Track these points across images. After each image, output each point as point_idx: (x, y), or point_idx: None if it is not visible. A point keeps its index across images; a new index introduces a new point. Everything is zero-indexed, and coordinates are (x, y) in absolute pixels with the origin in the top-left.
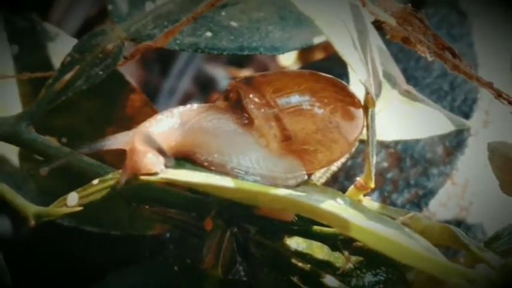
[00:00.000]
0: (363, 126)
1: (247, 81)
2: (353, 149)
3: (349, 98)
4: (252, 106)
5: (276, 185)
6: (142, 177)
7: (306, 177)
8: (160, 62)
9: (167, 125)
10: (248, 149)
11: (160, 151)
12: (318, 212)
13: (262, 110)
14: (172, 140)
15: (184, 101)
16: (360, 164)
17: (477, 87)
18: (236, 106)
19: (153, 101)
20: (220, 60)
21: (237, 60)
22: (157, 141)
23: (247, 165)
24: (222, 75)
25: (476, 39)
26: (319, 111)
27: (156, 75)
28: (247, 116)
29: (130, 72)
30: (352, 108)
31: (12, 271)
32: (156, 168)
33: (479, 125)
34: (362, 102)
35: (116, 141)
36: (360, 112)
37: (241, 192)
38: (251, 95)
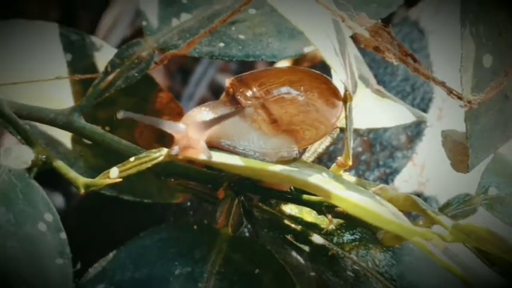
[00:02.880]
0: (342, 110)
1: (239, 79)
2: (335, 130)
3: (324, 85)
4: (242, 99)
5: (267, 159)
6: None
7: (296, 151)
8: (181, 73)
9: (200, 119)
10: (245, 132)
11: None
12: (307, 184)
13: (251, 101)
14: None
15: (200, 104)
16: (340, 149)
17: (433, 88)
18: (233, 99)
19: None
20: (229, 71)
21: (243, 71)
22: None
23: (245, 144)
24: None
25: (431, 51)
26: (297, 97)
27: (179, 84)
28: (241, 107)
29: (158, 80)
30: (327, 93)
31: (67, 230)
32: (204, 155)
33: (434, 119)
34: (342, 96)
35: (170, 126)
36: (336, 96)
37: (247, 169)
38: (241, 90)
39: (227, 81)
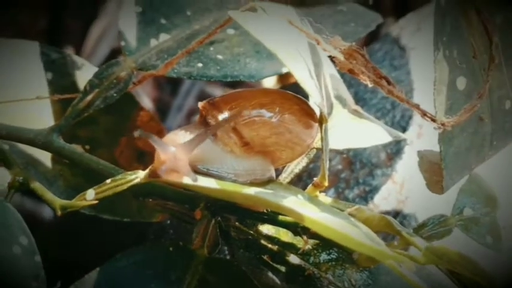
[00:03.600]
0: (317, 130)
1: (211, 102)
2: (312, 151)
3: (297, 106)
4: (214, 122)
5: (240, 180)
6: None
7: (271, 171)
8: (170, 84)
9: (184, 140)
10: (218, 155)
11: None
12: (281, 207)
13: (222, 125)
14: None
15: (189, 115)
16: (319, 167)
17: None
18: (205, 123)
19: (164, 115)
20: (217, 83)
21: (231, 83)
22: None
23: (218, 166)
24: (219, 95)
25: (412, 68)
26: (268, 120)
27: (167, 95)
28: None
29: (147, 92)
30: (299, 114)
31: (43, 249)
32: (188, 179)
33: (414, 136)
34: (317, 117)
35: (160, 145)
36: (311, 117)
37: (221, 192)
38: (213, 114)
39: (200, 105)
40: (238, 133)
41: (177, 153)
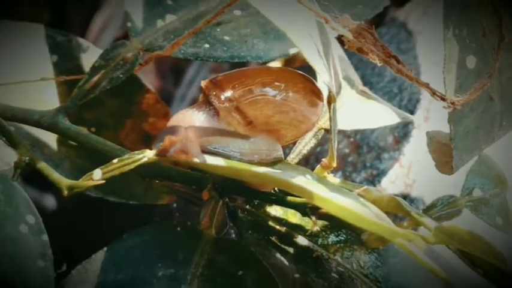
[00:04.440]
0: (322, 108)
1: (213, 81)
2: (320, 132)
3: (301, 84)
4: (216, 102)
5: (245, 159)
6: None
7: (279, 151)
8: (173, 73)
9: (196, 123)
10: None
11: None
12: (290, 185)
13: (225, 105)
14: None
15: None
16: (326, 150)
17: (420, 89)
18: (207, 102)
19: (168, 105)
20: (222, 72)
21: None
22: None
23: (224, 146)
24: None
25: (419, 52)
26: (272, 98)
27: (171, 85)
28: (215, 109)
29: (150, 82)
30: (304, 92)
31: (50, 232)
32: (197, 159)
33: (421, 120)
34: (322, 95)
35: (173, 129)
36: (316, 95)
37: (229, 170)
38: (215, 93)
39: (202, 83)
40: (241, 112)
41: (188, 134)
